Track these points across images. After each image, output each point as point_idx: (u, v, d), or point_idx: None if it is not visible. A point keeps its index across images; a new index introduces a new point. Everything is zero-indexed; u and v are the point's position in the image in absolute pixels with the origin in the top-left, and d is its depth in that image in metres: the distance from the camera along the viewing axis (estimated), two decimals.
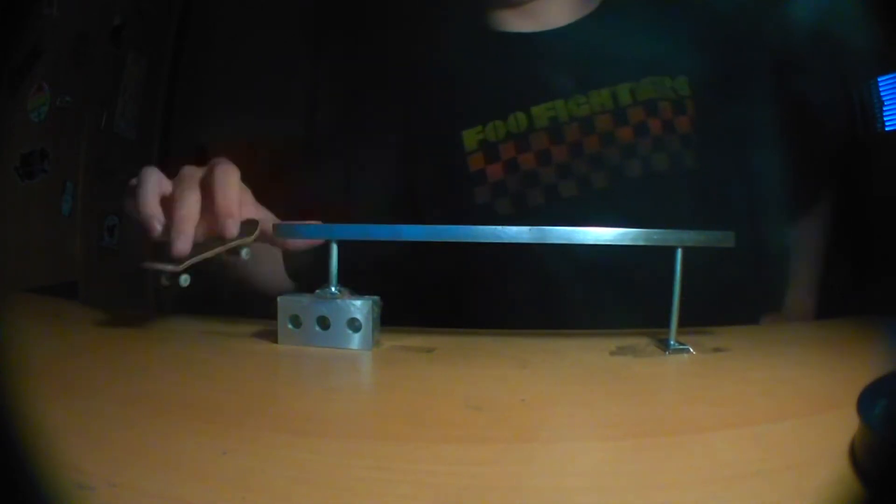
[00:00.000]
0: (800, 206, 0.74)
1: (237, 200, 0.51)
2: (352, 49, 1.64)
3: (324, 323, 0.46)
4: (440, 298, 0.72)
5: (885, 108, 0.80)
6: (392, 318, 0.49)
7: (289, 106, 1.75)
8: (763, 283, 0.72)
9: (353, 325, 0.46)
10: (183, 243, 0.47)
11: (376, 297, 0.47)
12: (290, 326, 0.47)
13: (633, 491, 0.25)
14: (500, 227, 0.46)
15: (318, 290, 0.47)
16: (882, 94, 0.80)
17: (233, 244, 0.49)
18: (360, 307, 0.46)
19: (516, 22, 0.75)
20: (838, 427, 0.28)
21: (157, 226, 0.49)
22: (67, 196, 1.38)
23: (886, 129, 0.81)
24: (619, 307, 0.63)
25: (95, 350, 0.49)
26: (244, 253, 0.50)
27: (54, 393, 0.35)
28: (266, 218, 0.56)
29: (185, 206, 0.49)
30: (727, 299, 0.65)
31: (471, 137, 0.71)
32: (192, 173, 0.52)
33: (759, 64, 0.68)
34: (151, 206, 0.50)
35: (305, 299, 0.47)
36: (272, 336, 0.48)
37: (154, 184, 0.51)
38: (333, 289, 0.47)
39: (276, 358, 0.46)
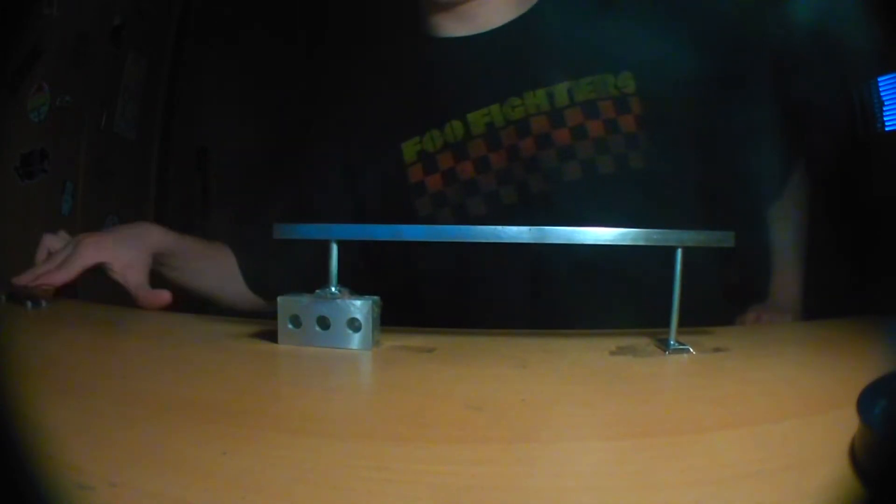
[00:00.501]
0: (770, 193, 0.73)
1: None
2: (296, 63, 1.64)
3: (324, 323, 0.46)
4: (439, 298, 0.72)
5: (885, 108, 0.80)
6: (391, 319, 0.49)
7: (260, 116, 1.74)
8: (739, 281, 0.71)
9: (354, 325, 0.46)
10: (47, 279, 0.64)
11: (376, 297, 0.47)
12: (290, 326, 0.47)
13: (633, 491, 0.25)
14: (500, 227, 0.46)
15: (318, 290, 0.47)
16: (882, 94, 0.80)
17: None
18: (360, 307, 0.46)
19: (452, 26, 0.72)
20: (838, 427, 0.28)
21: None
22: (67, 196, 1.38)
23: (886, 129, 0.81)
24: (619, 307, 0.63)
25: (95, 350, 0.49)
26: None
27: (54, 393, 0.35)
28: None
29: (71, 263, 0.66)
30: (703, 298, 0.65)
31: (409, 149, 0.70)
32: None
33: (713, 56, 0.64)
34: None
35: (305, 299, 0.47)
36: (272, 336, 0.48)
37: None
38: (333, 289, 0.47)
39: (276, 358, 0.46)
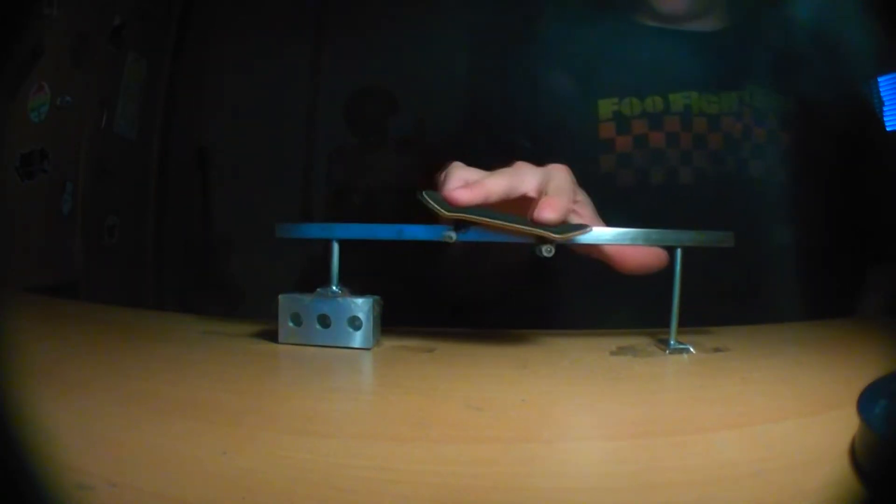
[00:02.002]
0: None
1: (567, 196, 0.46)
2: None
3: (325, 321, 0.46)
4: (440, 298, 0.73)
5: (885, 108, 0.80)
6: (392, 318, 0.49)
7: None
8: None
9: (354, 323, 0.46)
10: (462, 194, 0.43)
11: (377, 296, 0.47)
12: (290, 324, 0.47)
13: (633, 491, 0.25)
14: None
15: (318, 289, 0.47)
16: (882, 94, 0.80)
17: (534, 231, 0.44)
18: (361, 305, 0.46)
19: (670, 19, 0.77)
20: (838, 427, 0.28)
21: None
22: (67, 196, 1.38)
23: (887, 129, 0.81)
24: (619, 307, 0.63)
25: (95, 350, 0.49)
26: (544, 249, 0.44)
27: (54, 393, 0.35)
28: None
29: (492, 177, 0.46)
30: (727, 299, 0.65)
31: (606, 107, 0.75)
32: (522, 166, 0.48)
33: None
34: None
35: (306, 298, 0.47)
36: (272, 335, 0.48)
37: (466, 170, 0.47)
38: (334, 287, 0.47)
39: (276, 357, 0.46)
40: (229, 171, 1.85)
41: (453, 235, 0.44)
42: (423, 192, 0.44)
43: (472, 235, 0.45)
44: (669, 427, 0.31)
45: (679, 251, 0.45)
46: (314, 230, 0.49)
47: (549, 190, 0.45)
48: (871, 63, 0.77)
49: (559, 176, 0.47)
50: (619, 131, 0.73)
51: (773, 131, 0.73)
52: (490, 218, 0.43)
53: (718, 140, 0.73)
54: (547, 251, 0.43)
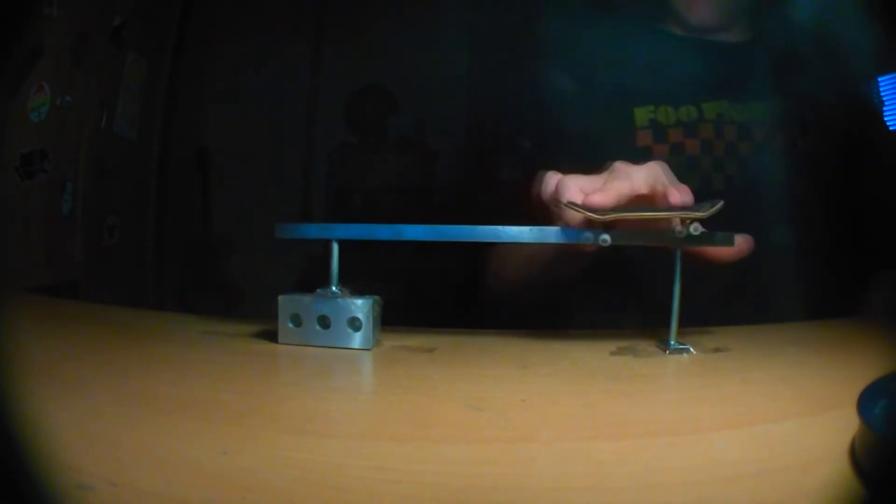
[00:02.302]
0: None
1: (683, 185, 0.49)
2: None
3: (324, 322, 0.46)
4: (442, 297, 0.73)
5: (885, 108, 0.80)
6: (392, 318, 0.49)
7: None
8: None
9: (354, 324, 0.46)
10: (602, 198, 0.46)
11: (377, 297, 0.47)
12: (290, 325, 0.47)
13: (633, 491, 0.25)
14: (500, 227, 0.46)
15: (318, 290, 0.47)
16: (882, 94, 0.80)
17: (683, 214, 0.46)
18: (360, 306, 0.46)
19: (700, 28, 0.78)
20: (838, 427, 0.28)
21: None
22: (67, 196, 1.37)
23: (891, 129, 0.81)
24: (619, 307, 0.63)
25: (95, 350, 0.49)
26: (692, 228, 0.45)
27: (54, 393, 0.35)
28: None
29: (613, 181, 0.48)
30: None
31: (641, 115, 0.76)
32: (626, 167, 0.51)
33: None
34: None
35: (306, 298, 0.47)
36: (272, 335, 0.48)
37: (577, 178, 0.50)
38: (334, 288, 0.47)
39: (276, 358, 0.46)
40: (229, 171, 1.85)
41: (608, 238, 0.45)
42: (568, 202, 0.46)
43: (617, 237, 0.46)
44: (669, 427, 0.31)
45: (679, 251, 0.45)
46: (314, 230, 0.49)
47: (667, 182, 0.48)
48: (876, 64, 0.77)
49: (662, 170, 0.50)
50: (657, 138, 0.75)
51: (775, 135, 0.74)
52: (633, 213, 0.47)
53: (722, 146, 0.74)
54: (694, 230, 0.45)
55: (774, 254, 0.71)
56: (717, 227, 0.46)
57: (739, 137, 0.74)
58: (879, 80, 0.80)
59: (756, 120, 0.74)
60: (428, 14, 1.69)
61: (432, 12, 1.69)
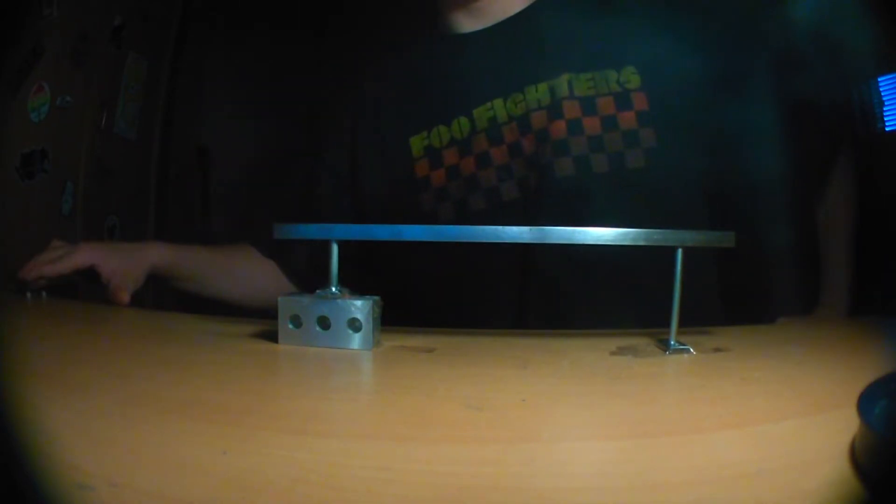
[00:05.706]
0: (801, 196, 0.73)
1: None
2: (303, 57, 1.65)
3: (324, 323, 0.46)
4: (440, 298, 0.72)
5: (885, 108, 0.80)
6: (392, 318, 0.49)
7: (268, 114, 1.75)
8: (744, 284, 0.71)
9: (354, 324, 0.46)
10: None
11: (377, 297, 0.47)
12: (290, 326, 0.47)
13: (633, 491, 0.25)
14: (500, 227, 0.46)
15: (318, 290, 0.47)
16: (882, 94, 0.80)
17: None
18: (360, 307, 0.46)
19: (467, 22, 0.73)
20: (838, 427, 0.28)
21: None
22: (67, 196, 1.37)
23: (887, 129, 0.81)
24: (619, 307, 0.63)
25: (95, 350, 0.49)
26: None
27: (54, 393, 0.35)
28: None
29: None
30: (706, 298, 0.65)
31: (417, 144, 0.71)
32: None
33: (715, 52, 0.64)
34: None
35: (306, 299, 0.47)
36: (272, 336, 0.48)
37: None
38: (334, 288, 0.47)
39: (276, 358, 0.46)
40: (229, 171, 1.85)
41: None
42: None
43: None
44: (669, 427, 0.31)
45: (679, 251, 0.45)
46: (313, 230, 0.49)
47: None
48: (872, 63, 0.75)
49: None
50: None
51: (773, 131, 0.73)
52: None
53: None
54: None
55: (773, 253, 0.70)
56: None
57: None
58: (879, 80, 0.80)
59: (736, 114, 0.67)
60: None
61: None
